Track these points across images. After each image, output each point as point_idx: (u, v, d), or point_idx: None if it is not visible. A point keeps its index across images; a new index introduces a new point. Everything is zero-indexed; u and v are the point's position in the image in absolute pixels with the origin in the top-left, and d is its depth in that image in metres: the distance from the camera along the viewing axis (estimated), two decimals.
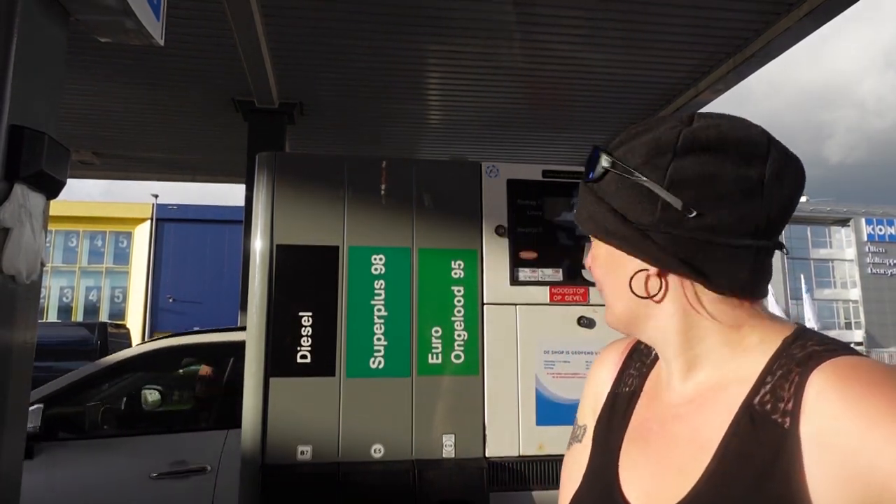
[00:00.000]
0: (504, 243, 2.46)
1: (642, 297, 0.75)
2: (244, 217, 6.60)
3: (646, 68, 6.10)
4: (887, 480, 0.58)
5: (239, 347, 3.65)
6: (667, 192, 0.70)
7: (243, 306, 6.22)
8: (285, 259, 2.31)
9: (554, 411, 2.38)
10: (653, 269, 0.74)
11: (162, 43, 1.83)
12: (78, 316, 26.54)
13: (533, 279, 2.45)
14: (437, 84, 6.51)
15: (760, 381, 0.69)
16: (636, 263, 0.75)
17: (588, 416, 0.92)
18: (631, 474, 0.78)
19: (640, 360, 0.90)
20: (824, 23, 5.06)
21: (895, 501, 0.57)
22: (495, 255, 2.45)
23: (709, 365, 0.75)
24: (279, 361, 2.24)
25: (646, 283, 0.75)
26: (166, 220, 26.52)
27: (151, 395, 3.95)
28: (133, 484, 3.10)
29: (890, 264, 45.11)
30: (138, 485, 3.09)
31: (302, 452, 2.19)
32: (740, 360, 0.73)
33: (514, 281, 2.44)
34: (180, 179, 10.56)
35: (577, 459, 0.88)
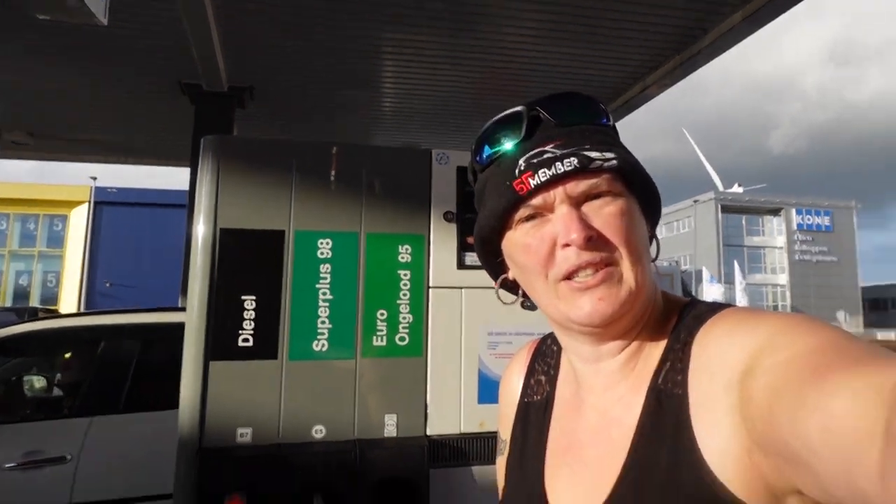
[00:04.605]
0: (452, 229, 2.49)
1: None
2: (188, 201, 6.44)
3: (596, 62, 6.21)
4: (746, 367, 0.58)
5: (117, 330, 3.57)
6: None
7: (184, 290, 6.09)
8: (229, 243, 2.29)
9: (495, 390, 2.39)
10: None
11: (105, 22, 1.78)
12: (7, 301, 25.36)
13: (479, 263, 2.48)
14: (392, 72, 6.48)
15: (663, 360, 0.70)
16: None
17: (507, 429, 0.89)
18: (559, 491, 0.74)
19: (545, 363, 0.88)
20: (766, 23, 5.22)
21: (756, 379, 0.56)
22: (443, 240, 2.48)
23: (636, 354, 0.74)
24: (220, 345, 2.21)
25: None
26: (105, 203, 25.54)
27: (38, 381, 3.83)
28: None
29: (815, 252, 47.58)
30: None
31: (241, 435, 2.19)
32: (651, 342, 0.73)
33: (461, 265, 2.48)
34: (122, 162, 10.19)
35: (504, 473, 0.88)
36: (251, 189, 2.35)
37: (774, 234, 49.01)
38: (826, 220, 48.71)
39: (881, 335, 34.76)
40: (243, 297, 2.26)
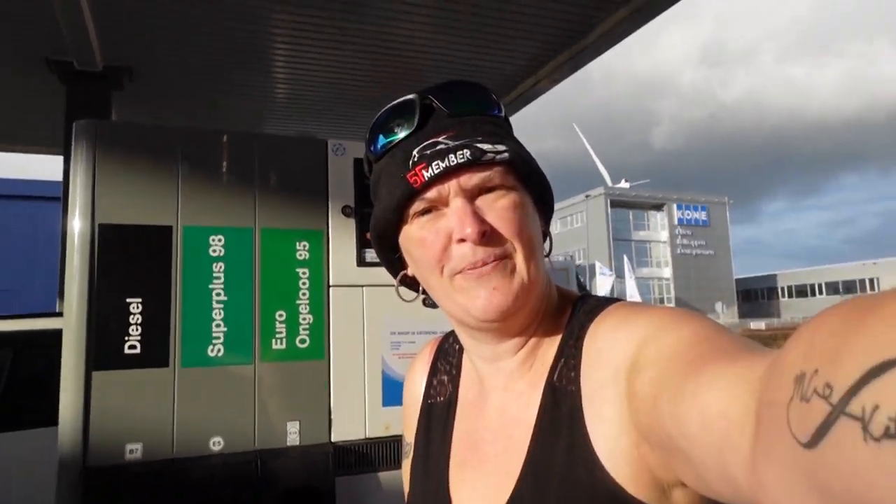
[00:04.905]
0: (351, 224, 2.43)
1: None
2: (62, 193, 5.91)
3: (489, 54, 6.29)
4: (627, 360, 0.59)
5: None
6: None
7: (61, 293, 5.60)
8: (109, 240, 2.11)
9: (400, 391, 2.38)
10: None
11: None
12: None
13: (379, 260, 2.43)
14: (285, 56, 6.23)
15: (558, 356, 0.70)
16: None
17: (412, 431, 0.87)
18: (464, 492, 0.73)
19: (447, 363, 0.87)
20: (647, 21, 5.51)
21: (644, 362, 0.57)
22: (341, 236, 2.42)
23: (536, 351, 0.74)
24: (103, 353, 2.04)
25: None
26: None
27: None
28: None
29: (694, 245, 51.27)
30: None
31: (131, 451, 2.03)
32: (547, 338, 0.73)
33: (361, 262, 2.43)
34: None
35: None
36: (133, 180, 2.17)
37: (658, 229, 52.21)
38: (703, 215, 52.45)
39: (753, 325, 37.78)
40: (128, 300, 2.10)
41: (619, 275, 35.39)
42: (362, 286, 2.42)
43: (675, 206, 51.61)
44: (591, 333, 0.66)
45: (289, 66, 6.46)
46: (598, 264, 31.30)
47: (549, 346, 0.71)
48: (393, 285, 0.82)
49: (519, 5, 5.36)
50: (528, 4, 5.36)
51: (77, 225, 2.10)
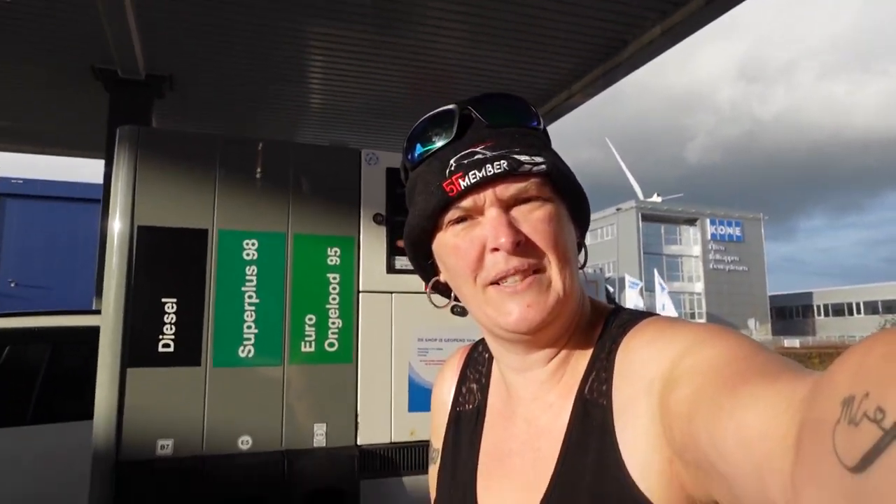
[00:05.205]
0: (381, 231, 2.46)
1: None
2: (103, 195, 6.09)
3: (523, 68, 6.32)
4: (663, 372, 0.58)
5: (23, 334, 3.32)
6: None
7: (99, 291, 5.74)
8: (148, 241, 2.17)
9: (426, 397, 2.39)
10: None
11: None
12: None
13: (409, 268, 2.47)
14: (320, 67, 6.34)
15: (590, 369, 0.69)
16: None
17: (439, 438, 0.87)
18: (490, 501, 0.73)
19: (476, 371, 0.87)
20: (681, 39, 5.47)
21: (676, 381, 0.56)
22: (372, 243, 2.45)
23: (568, 359, 0.73)
24: (138, 351, 2.09)
25: None
26: (8, 195, 23.74)
27: None
28: None
29: (728, 261, 50.37)
30: None
31: (162, 447, 2.07)
32: (578, 350, 0.72)
33: (391, 269, 2.45)
34: (28, 151, 9.52)
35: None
36: (172, 185, 2.23)
37: (690, 244, 51.47)
38: (737, 231, 51.56)
39: (787, 342, 36.98)
40: (163, 300, 2.15)
41: (650, 288, 34.89)
42: (391, 292, 2.44)
43: (708, 220, 50.87)
44: (623, 347, 0.66)
45: (324, 77, 6.56)
46: (627, 277, 30.95)
47: (581, 359, 0.71)
48: (422, 292, 0.82)
49: (554, 21, 5.37)
50: (563, 21, 5.37)
51: (117, 226, 2.16)
